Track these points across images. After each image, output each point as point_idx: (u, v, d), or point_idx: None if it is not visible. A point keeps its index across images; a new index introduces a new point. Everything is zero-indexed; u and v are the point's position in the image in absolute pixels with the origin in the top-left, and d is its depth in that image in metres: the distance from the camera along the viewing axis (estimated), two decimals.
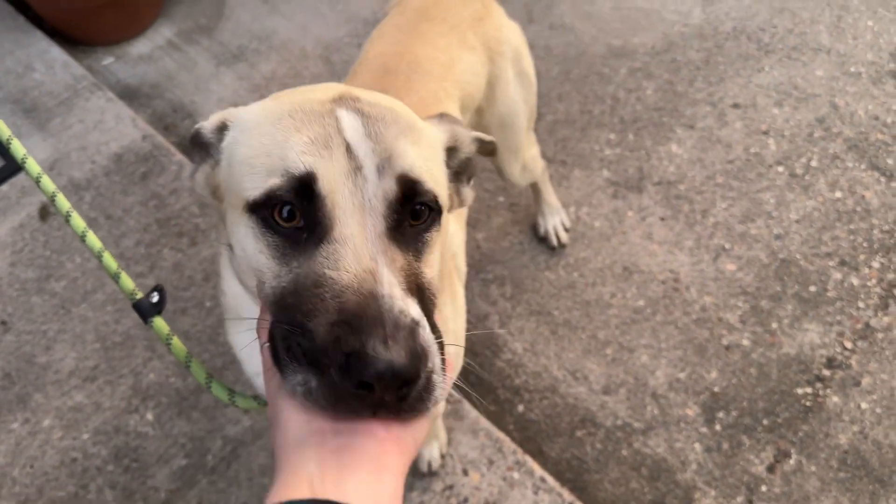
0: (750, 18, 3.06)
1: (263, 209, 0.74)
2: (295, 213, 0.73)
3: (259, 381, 1.07)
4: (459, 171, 0.95)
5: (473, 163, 0.98)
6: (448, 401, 1.95)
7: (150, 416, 1.96)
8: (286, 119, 0.77)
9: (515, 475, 1.85)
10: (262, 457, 1.88)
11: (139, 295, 0.96)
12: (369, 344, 0.62)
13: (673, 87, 2.83)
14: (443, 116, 0.92)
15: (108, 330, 2.11)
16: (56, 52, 2.81)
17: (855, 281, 2.31)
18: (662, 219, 2.46)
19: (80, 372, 2.04)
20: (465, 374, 2.15)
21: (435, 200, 0.79)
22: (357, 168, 0.73)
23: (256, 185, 0.75)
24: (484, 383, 2.14)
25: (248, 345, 0.99)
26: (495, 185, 2.54)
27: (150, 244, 2.29)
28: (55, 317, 2.14)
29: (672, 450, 2.01)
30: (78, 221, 0.98)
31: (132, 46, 3.06)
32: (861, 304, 2.26)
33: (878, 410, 2.06)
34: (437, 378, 0.68)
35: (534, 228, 2.42)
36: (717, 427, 2.04)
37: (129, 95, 2.86)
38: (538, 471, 1.86)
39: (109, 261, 0.97)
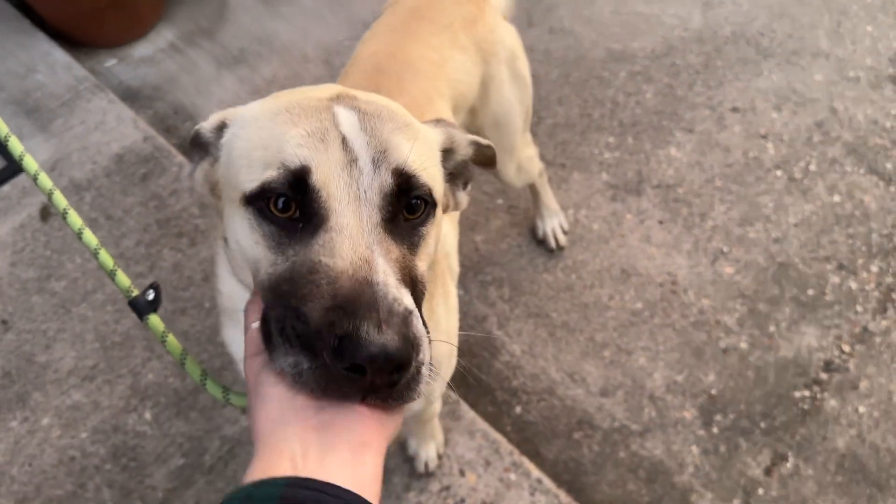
0: (749, 23, 3.06)
1: (259, 201, 0.75)
2: (290, 204, 0.74)
3: None
4: (455, 174, 0.96)
5: (470, 168, 0.98)
6: (445, 401, 1.95)
7: (148, 416, 1.97)
8: (284, 114, 0.79)
9: (512, 476, 1.86)
10: None
11: (135, 292, 0.97)
12: (363, 327, 0.62)
13: (672, 90, 2.84)
14: (439, 121, 0.93)
15: (107, 330, 2.12)
16: (58, 54, 2.82)
17: (853, 285, 2.31)
18: (661, 222, 2.46)
19: (80, 371, 2.05)
20: (463, 375, 2.15)
21: (430, 194, 0.80)
22: (353, 160, 0.74)
23: (253, 178, 0.76)
24: (482, 385, 2.14)
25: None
26: (494, 187, 2.54)
27: (149, 244, 2.30)
28: (55, 316, 2.15)
29: (669, 452, 2.01)
30: (75, 218, 0.98)
31: (134, 49, 3.08)
32: (859, 308, 2.26)
33: (876, 414, 2.07)
34: (425, 369, 0.68)
35: (532, 231, 2.43)
36: (715, 430, 2.05)
37: (131, 97, 2.87)
38: (535, 472, 1.87)
39: (106, 258, 0.98)
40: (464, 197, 0.99)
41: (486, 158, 0.99)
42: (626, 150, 2.65)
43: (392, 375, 0.65)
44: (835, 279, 2.32)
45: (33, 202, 2.39)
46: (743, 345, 2.19)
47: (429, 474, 1.86)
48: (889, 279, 2.31)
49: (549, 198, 2.34)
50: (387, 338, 0.63)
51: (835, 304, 2.27)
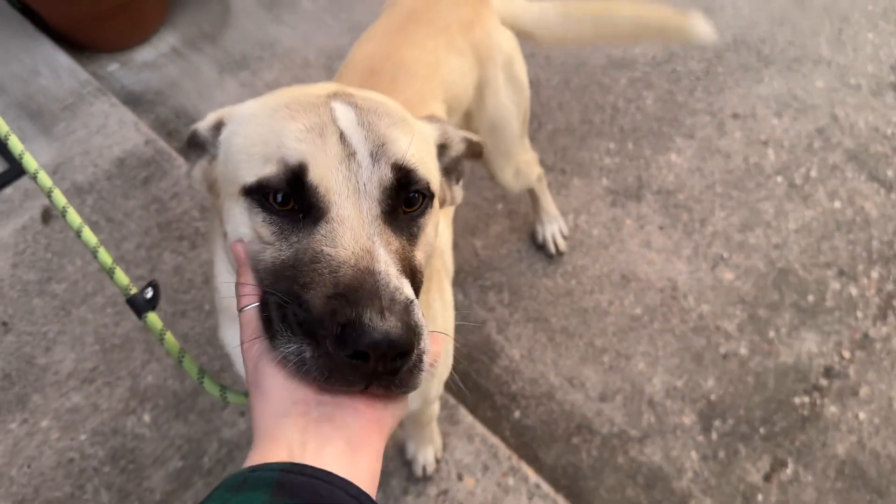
0: (750, 30, 3.07)
1: (257, 193, 0.76)
2: (289, 199, 0.75)
3: None
4: (449, 170, 0.97)
5: (462, 163, 0.99)
6: (444, 406, 1.95)
7: (147, 418, 1.97)
8: (282, 110, 0.79)
9: (510, 481, 1.85)
10: None
11: (133, 290, 0.98)
12: (366, 314, 0.63)
13: (673, 97, 2.84)
14: (432, 117, 0.94)
15: (107, 332, 2.13)
16: (62, 58, 2.84)
17: (853, 291, 2.31)
18: (661, 227, 2.46)
19: (79, 373, 2.05)
20: (463, 379, 2.15)
21: (428, 188, 0.81)
22: (351, 154, 0.75)
23: (252, 172, 0.77)
24: (481, 389, 2.14)
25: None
26: (494, 193, 2.55)
27: (150, 247, 2.31)
28: (55, 318, 2.16)
29: (668, 458, 2.01)
30: (74, 217, 0.99)
31: (137, 53, 3.09)
32: (859, 315, 2.26)
33: (876, 420, 2.06)
34: (426, 358, 0.69)
35: (532, 236, 2.43)
36: (714, 435, 2.04)
37: (133, 101, 2.89)
38: (533, 477, 1.86)
39: (104, 256, 0.98)
40: (458, 191, 1.00)
41: (476, 153, 1.00)
42: (627, 156, 2.66)
43: (395, 362, 0.65)
44: (835, 285, 2.32)
45: (35, 205, 2.40)
46: (743, 350, 2.19)
47: (427, 478, 1.86)
48: (889, 286, 2.31)
49: (548, 203, 2.35)
50: (390, 324, 0.63)
51: (835, 311, 2.26)
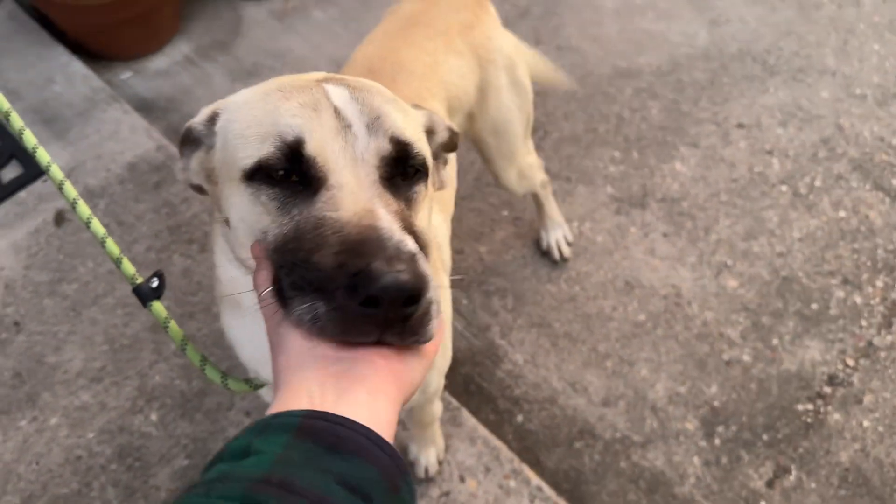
0: (756, 41, 3.10)
1: (259, 174, 0.78)
2: (290, 174, 0.77)
3: (252, 365, 1.10)
4: (436, 155, 0.99)
5: (447, 149, 1.02)
6: (447, 407, 1.96)
7: (154, 417, 2.00)
8: (276, 93, 0.82)
9: (512, 483, 1.86)
10: None
11: (139, 280, 1.00)
12: (373, 263, 0.65)
13: (678, 106, 2.86)
14: (417, 105, 0.97)
15: (116, 332, 2.16)
16: (77, 66, 2.90)
17: (858, 299, 2.31)
18: (665, 235, 2.48)
19: (88, 372, 2.08)
20: (466, 382, 2.17)
21: (424, 163, 0.83)
22: (346, 126, 0.78)
23: (250, 154, 0.79)
24: (484, 393, 2.15)
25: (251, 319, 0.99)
26: (499, 199, 2.57)
27: (160, 250, 2.35)
28: (66, 319, 2.19)
29: (671, 463, 2.01)
30: (83, 209, 1.02)
31: (150, 62, 3.15)
32: (864, 323, 2.26)
33: (881, 429, 2.05)
34: (434, 309, 0.70)
35: (537, 242, 2.45)
36: (717, 441, 2.04)
37: (146, 108, 2.94)
38: (535, 480, 1.87)
39: (112, 247, 1.02)
40: (446, 176, 1.02)
41: (452, 144, 1.02)
42: (631, 165, 2.68)
43: (405, 308, 0.67)
44: (839, 294, 2.32)
45: (48, 207, 2.45)
46: (746, 357, 2.19)
47: (429, 479, 1.87)
48: (894, 294, 2.31)
49: (553, 210, 2.37)
50: (398, 269, 0.65)
51: (839, 319, 2.26)
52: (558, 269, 2.40)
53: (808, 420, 2.07)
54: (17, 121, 1.00)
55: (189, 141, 0.93)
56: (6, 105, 0.99)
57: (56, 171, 1.02)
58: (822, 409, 2.09)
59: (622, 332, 2.26)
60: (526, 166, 1.93)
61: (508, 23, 3.14)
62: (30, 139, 1.00)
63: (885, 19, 3.15)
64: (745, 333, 2.24)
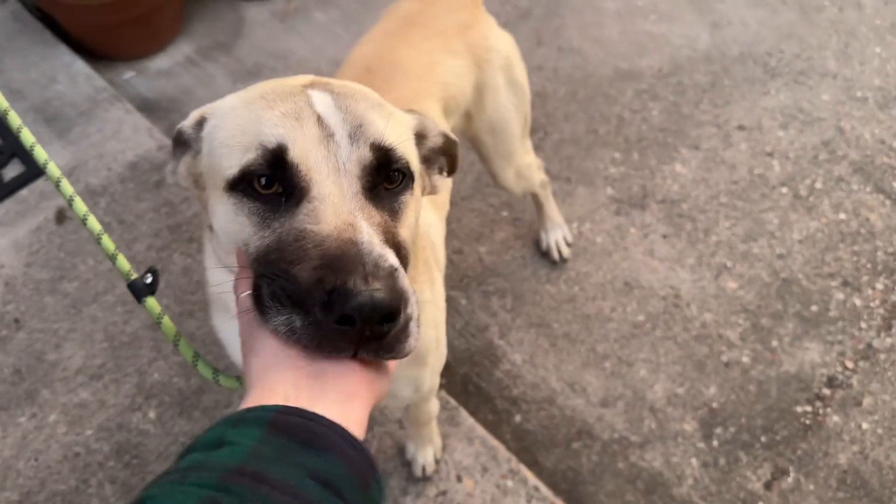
0: (757, 44, 3.09)
1: (242, 184, 0.79)
2: (273, 182, 0.78)
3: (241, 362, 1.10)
4: (428, 160, 0.99)
5: (443, 158, 1.02)
6: (444, 407, 1.96)
7: (152, 415, 2.00)
8: (259, 101, 0.83)
9: (509, 483, 1.86)
10: None
11: (134, 276, 1.01)
12: (350, 280, 0.65)
13: (678, 108, 2.86)
14: (410, 110, 0.97)
15: (116, 330, 2.17)
16: (79, 66, 2.91)
17: (857, 301, 2.30)
18: (665, 236, 2.48)
19: (87, 370, 2.09)
20: (464, 382, 2.17)
21: (408, 167, 0.84)
22: (329, 135, 0.78)
23: (233, 164, 0.79)
24: (482, 392, 2.15)
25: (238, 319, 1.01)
26: (499, 199, 2.58)
27: (160, 249, 2.35)
28: (66, 316, 2.20)
29: (668, 464, 2.01)
30: (80, 205, 1.03)
31: (152, 62, 3.16)
32: (863, 325, 2.25)
33: (880, 431, 2.05)
34: (413, 325, 0.71)
35: (536, 243, 2.45)
36: (715, 443, 2.04)
37: (148, 108, 2.95)
38: (532, 480, 1.87)
39: (108, 243, 1.02)
40: (440, 181, 1.02)
41: (451, 152, 1.02)
42: (632, 166, 2.68)
43: (381, 326, 0.67)
44: (839, 296, 2.32)
45: (50, 206, 2.46)
46: (745, 359, 2.19)
47: (426, 479, 1.87)
48: (894, 297, 2.30)
49: (553, 210, 2.37)
50: (374, 288, 0.65)
51: (838, 321, 2.26)
52: (558, 269, 2.40)
53: (807, 422, 2.07)
54: (15, 119, 1.01)
55: (179, 143, 0.93)
56: (4, 104, 1.00)
57: (53, 169, 1.03)
58: (820, 411, 2.09)
59: (621, 332, 2.26)
60: (524, 166, 1.94)
61: (510, 24, 3.16)
62: (27, 137, 1.01)
63: (886, 22, 3.15)
64: (744, 335, 2.24)
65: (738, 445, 2.03)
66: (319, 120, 0.79)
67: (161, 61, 3.17)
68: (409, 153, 0.87)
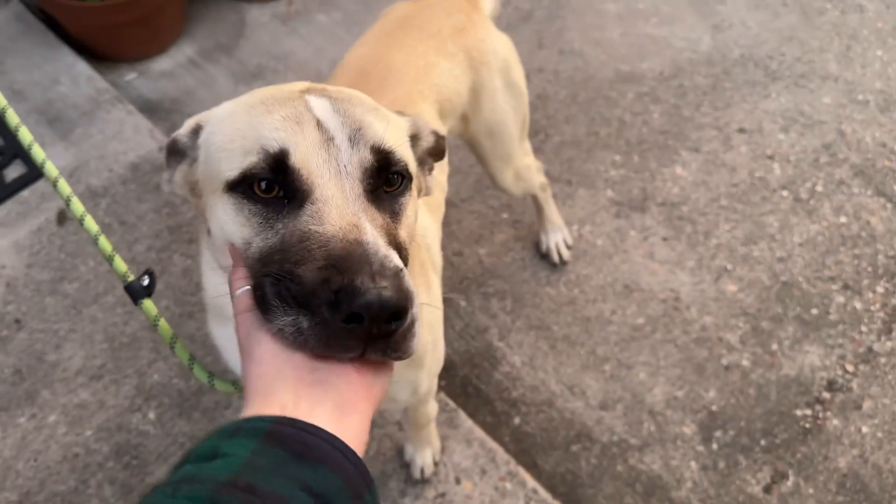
0: (758, 46, 3.09)
1: (241, 186, 0.79)
2: (273, 186, 0.78)
3: (237, 369, 1.10)
4: (421, 161, 1.00)
5: (433, 154, 1.02)
6: (443, 409, 1.96)
7: (151, 416, 2.01)
8: (258, 106, 0.83)
9: (508, 485, 1.86)
10: None
11: (131, 277, 1.01)
12: (357, 279, 0.65)
13: (679, 111, 2.86)
14: (402, 112, 0.98)
15: (116, 331, 2.17)
16: (82, 67, 2.92)
17: (858, 305, 2.30)
18: (665, 239, 2.47)
19: (87, 370, 2.09)
20: (463, 384, 2.17)
21: (407, 169, 0.84)
22: (329, 139, 0.78)
23: (233, 167, 0.79)
24: (481, 395, 2.15)
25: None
26: (499, 202, 2.58)
27: (160, 250, 2.36)
28: (66, 317, 2.21)
29: (668, 467, 2.00)
30: (77, 206, 1.03)
31: (154, 63, 3.17)
32: (864, 328, 2.25)
33: (880, 435, 2.05)
34: (417, 325, 0.71)
35: (536, 245, 2.45)
36: (714, 446, 2.04)
37: (150, 109, 2.96)
38: (531, 482, 1.87)
39: (105, 244, 1.02)
40: (432, 182, 1.03)
41: (439, 149, 1.03)
42: (632, 168, 2.68)
43: (389, 324, 0.67)
44: (839, 299, 2.31)
45: (51, 206, 2.47)
46: (745, 362, 2.19)
47: (424, 481, 1.87)
48: (894, 300, 2.30)
49: (553, 213, 2.37)
50: (382, 286, 0.65)
51: (839, 324, 2.26)
52: (557, 271, 2.40)
53: (807, 425, 2.07)
54: (13, 117, 1.01)
55: (174, 152, 0.93)
56: (2, 101, 1.00)
57: (51, 168, 1.03)
58: (820, 415, 2.08)
59: (621, 335, 2.25)
60: (523, 168, 1.94)
61: (511, 26, 3.17)
62: (25, 135, 1.01)
63: (888, 25, 3.14)
64: (744, 338, 2.23)
65: (737, 449, 2.03)
66: (319, 124, 0.79)
67: (163, 63, 3.18)
68: (407, 155, 0.88)
